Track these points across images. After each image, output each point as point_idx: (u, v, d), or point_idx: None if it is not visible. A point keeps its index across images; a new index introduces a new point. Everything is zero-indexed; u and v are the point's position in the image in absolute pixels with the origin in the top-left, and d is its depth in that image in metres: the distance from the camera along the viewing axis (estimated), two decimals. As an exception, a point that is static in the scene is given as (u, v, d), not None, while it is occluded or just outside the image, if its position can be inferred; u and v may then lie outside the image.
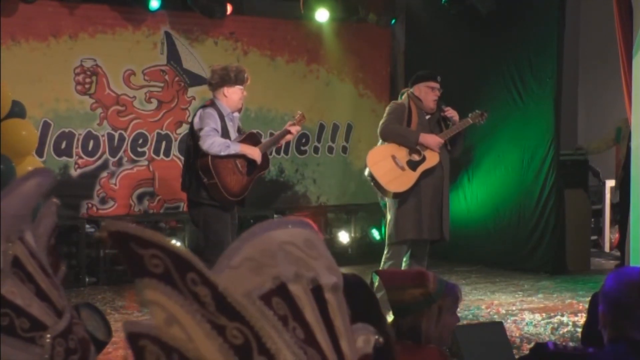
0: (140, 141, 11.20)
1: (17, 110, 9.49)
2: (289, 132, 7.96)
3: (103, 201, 10.98)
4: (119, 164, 11.06)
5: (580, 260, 11.11)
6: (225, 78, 7.62)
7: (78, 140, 10.83)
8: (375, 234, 11.82)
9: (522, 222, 11.09)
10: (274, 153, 12.08)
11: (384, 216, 8.68)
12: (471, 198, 11.68)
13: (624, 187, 9.81)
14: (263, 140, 8.42)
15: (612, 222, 12.06)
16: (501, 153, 11.31)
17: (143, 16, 11.13)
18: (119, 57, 11.01)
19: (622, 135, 10.33)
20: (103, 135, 10.98)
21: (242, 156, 7.61)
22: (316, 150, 12.44)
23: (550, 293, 9.63)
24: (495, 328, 5.95)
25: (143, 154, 11.19)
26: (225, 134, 7.59)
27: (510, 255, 11.07)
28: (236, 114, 7.84)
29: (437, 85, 8.01)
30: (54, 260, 1.44)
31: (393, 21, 12.43)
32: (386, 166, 7.78)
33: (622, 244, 10.27)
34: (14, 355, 1.32)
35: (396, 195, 7.76)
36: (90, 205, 10.91)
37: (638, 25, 9.00)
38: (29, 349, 1.34)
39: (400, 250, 7.84)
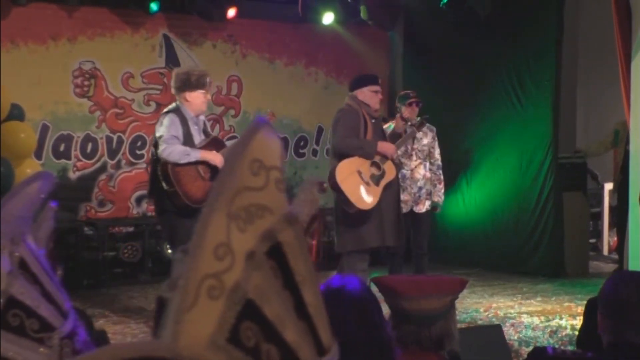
0: (139, 144, 11.20)
1: (16, 113, 9.49)
2: None
3: (101, 204, 10.99)
4: (118, 166, 11.07)
5: (578, 263, 11.11)
6: (186, 82, 7.56)
7: (77, 142, 10.84)
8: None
9: (521, 225, 11.10)
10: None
11: None
12: (470, 201, 11.68)
13: (622, 190, 9.81)
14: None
15: (611, 225, 12.06)
16: (500, 156, 11.32)
17: (142, 19, 11.13)
18: (118, 59, 11.01)
19: (620, 138, 10.32)
20: (101, 138, 10.98)
21: (205, 162, 7.52)
22: (314, 153, 12.45)
23: (548, 296, 9.62)
24: (494, 331, 5.93)
25: (142, 156, 11.19)
26: (188, 138, 7.53)
27: (509, 258, 11.07)
28: (202, 117, 7.80)
29: (379, 89, 8.07)
30: (52, 263, 1.45)
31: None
32: (354, 182, 7.80)
33: (620, 247, 10.27)
34: (24, 355, 1.33)
35: (358, 212, 7.82)
36: (88, 207, 10.91)
37: (636, 28, 9.01)
38: (38, 350, 1.35)
39: (364, 257, 7.90)
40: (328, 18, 11.92)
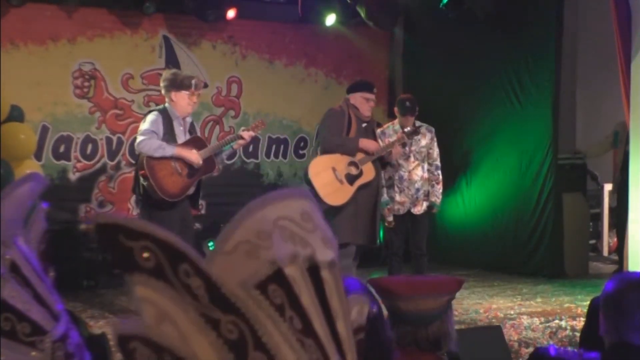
0: (139, 145, 11.18)
1: (16, 114, 9.48)
2: (241, 137, 8.02)
3: (101, 205, 10.97)
4: (117, 167, 11.05)
5: (578, 264, 11.09)
6: (172, 83, 7.72)
7: (76, 144, 10.82)
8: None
9: (521, 226, 11.07)
10: (272, 157, 12.08)
11: (383, 219, 8.78)
12: (469, 202, 11.66)
13: (621, 190, 9.79)
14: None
15: (611, 226, 12.04)
16: (499, 157, 11.30)
17: (141, 20, 11.11)
18: (117, 60, 10.99)
19: (620, 139, 10.31)
20: (101, 139, 10.97)
21: (181, 159, 7.65)
22: (315, 153, 12.41)
23: (548, 297, 9.60)
24: (494, 332, 5.92)
25: (141, 157, 11.17)
26: (172, 137, 7.68)
27: (509, 259, 11.05)
28: (188, 119, 7.92)
29: (372, 97, 8.30)
30: (44, 265, 1.43)
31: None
32: (326, 178, 8.05)
33: (620, 247, 10.25)
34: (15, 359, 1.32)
35: (332, 207, 8.00)
36: (88, 208, 10.89)
37: (636, 28, 8.98)
38: (30, 354, 1.34)
39: (345, 253, 8.01)
40: (330, 19, 11.90)
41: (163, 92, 7.86)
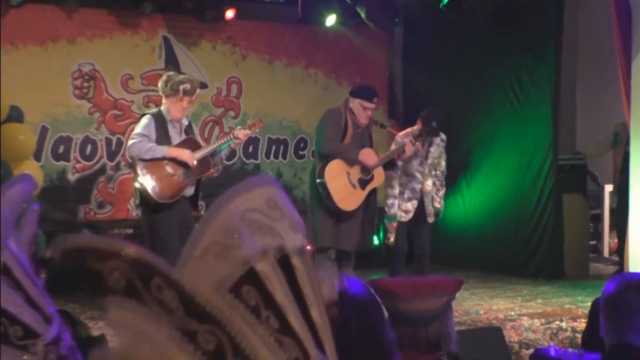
0: (138, 145, 11.17)
1: (15, 115, 9.48)
2: (237, 137, 8.01)
3: (101, 206, 10.95)
4: (117, 168, 11.03)
5: (578, 265, 11.08)
6: (164, 87, 7.76)
7: (76, 144, 10.80)
8: (374, 238, 11.77)
9: (521, 227, 11.05)
10: (272, 157, 12.07)
11: (386, 219, 8.81)
12: (469, 203, 11.65)
13: (622, 191, 9.77)
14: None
15: (612, 227, 12.02)
16: (499, 158, 11.28)
17: (141, 20, 11.10)
18: (117, 61, 10.97)
19: (620, 139, 10.30)
20: (101, 140, 10.95)
21: (174, 159, 7.65)
22: (313, 154, 12.42)
23: (549, 298, 9.59)
24: (494, 333, 5.92)
25: (141, 158, 11.16)
26: (166, 139, 7.71)
27: (509, 260, 11.03)
28: (184, 121, 7.93)
29: (370, 106, 8.29)
30: (35, 267, 1.42)
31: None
32: (341, 182, 8.09)
33: (621, 249, 10.23)
34: None
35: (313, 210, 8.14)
36: (87, 209, 10.87)
37: (636, 29, 8.96)
38: (22, 358, 1.33)
39: (327, 256, 8.12)
40: (330, 20, 11.89)
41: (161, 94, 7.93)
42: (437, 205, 9.06)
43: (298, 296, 1.04)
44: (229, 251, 1.00)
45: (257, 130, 8.45)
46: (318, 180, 8.11)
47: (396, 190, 8.83)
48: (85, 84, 10.84)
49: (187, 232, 7.54)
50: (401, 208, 8.80)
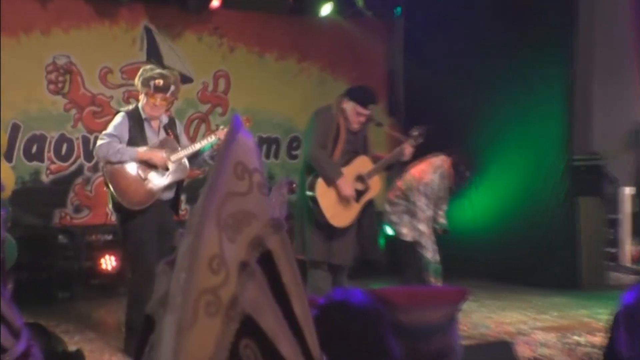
0: (118, 145, 11.12)
1: (-16, 111, 9.42)
2: (220, 138, 7.95)
3: (77, 209, 10.92)
4: (95, 169, 10.97)
5: (595, 274, 11.05)
6: (136, 82, 7.61)
7: (50, 143, 10.79)
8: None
9: (532, 233, 11.05)
10: (262, 157, 11.99)
11: (390, 222, 8.74)
12: (477, 207, 11.64)
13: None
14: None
15: (633, 233, 11.97)
16: (509, 159, 11.28)
17: (120, 10, 11.06)
18: (95, 53, 10.97)
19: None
20: (77, 138, 10.93)
21: (146, 162, 7.50)
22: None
23: (564, 310, 9.56)
24: (505, 349, 5.90)
25: (121, 158, 11.12)
26: (142, 139, 7.53)
27: (520, 269, 11.04)
28: (164, 118, 7.73)
29: (365, 112, 7.95)
30: (2, 277, 1.36)
31: (399, 10, 12.33)
32: (333, 197, 7.89)
33: (643, 257, 10.22)
34: None
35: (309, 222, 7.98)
36: (63, 214, 10.84)
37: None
38: None
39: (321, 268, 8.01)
40: (325, 9, 11.88)
41: None
42: (441, 220, 9.02)
43: (279, 290, 1.08)
44: (218, 298, 1.03)
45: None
46: (309, 194, 7.95)
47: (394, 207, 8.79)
48: (61, 78, 10.81)
49: (168, 238, 7.48)
50: (407, 226, 8.72)
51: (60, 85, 10.81)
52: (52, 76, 10.78)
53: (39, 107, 10.71)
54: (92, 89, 11.00)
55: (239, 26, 11.94)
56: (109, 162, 7.41)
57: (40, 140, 10.72)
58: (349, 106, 7.92)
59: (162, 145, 7.63)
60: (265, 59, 12.13)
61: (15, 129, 10.53)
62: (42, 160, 10.76)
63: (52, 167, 10.82)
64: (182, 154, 7.64)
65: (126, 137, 7.47)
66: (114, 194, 7.39)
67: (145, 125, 7.58)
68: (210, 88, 11.81)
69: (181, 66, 11.40)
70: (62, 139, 10.86)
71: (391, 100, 12.86)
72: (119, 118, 7.54)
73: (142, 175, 7.48)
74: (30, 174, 10.66)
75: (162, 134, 7.68)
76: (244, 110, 11.69)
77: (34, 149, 10.70)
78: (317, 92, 12.17)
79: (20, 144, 10.60)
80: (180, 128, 7.95)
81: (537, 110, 11.02)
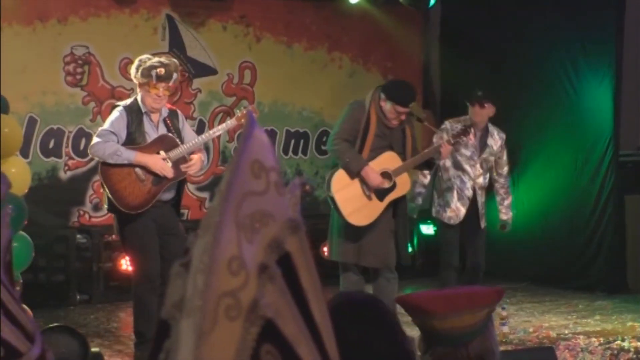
0: (139, 140, 11.17)
1: (-1, 105, 9.47)
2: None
3: (96, 208, 10.94)
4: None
5: (641, 276, 11.03)
6: (133, 74, 7.53)
7: (68, 138, 10.82)
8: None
9: (576, 233, 11.01)
10: (290, 153, 12.03)
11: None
12: (517, 205, 11.57)
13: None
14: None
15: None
16: (551, 153, 11.25)
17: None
18: (115, 43, 10.98)
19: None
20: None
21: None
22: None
23: (608, 314, 9.56)
24: (545, 354, 5.89)
25: (142, 154, 11.16)
26: (140, 136, 7.44)
27: (562, 271, 11.01)
28: (164, 111, 7.62)
29: (404, 111, 7.90)
30: (10, 278, 1.39)
31: (432, 2, 12.31)
32: (351, 192, 7.81)
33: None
34: None
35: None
36: (81, 212, 10.88)
37: None
38: None
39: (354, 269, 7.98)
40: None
41: None
42: (503, 217, 9.01)
43: (297, 290, 1.09)
44: (239, 302, 1.04)
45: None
46: (327, 193, 7.97)
47: (426, 180, 8.75)
48: (79, 70, 10.85)
49: (172, 240, 7.35)
50: (451, 207, 8.71)
51: (78, 77, 10.87)
52: (70, 67, 10.83)
53: (56, 100, 10.76)
54: (112, 80, 11.04)
55: (265, 14, 11.95)
56: (104, 163, 7.38)
57: (57, 135, 10.77)
58: (387, 104, 7.86)
59: (160, 143, 7.49)
60: (293, 48, 12.14)
61: (31, 123, 10.57)
62: (59, 156, 10.80)
63: (70, 163, 10.87)
64: (181, 151, 7.50)
65: (124, 133, 7.38)
66: (110, 196, 7.35)
67: (145, 119, 7.48)
68: (236, 80, 11.83)
69: (205, 57, 11.44)
70: (80, 133, 10.89)
71: (426, 92, 12.84)
72: (116, 113, 7.44)
73: (142, 176, 7.39)
74: (47, 171, 10.70)
75: (162, 128, 7.56)
76: (271, 103, 11.74)
77: (51, 144, 10.74)
78: (348, 84, 12.18)
79: (36, 139, 10.64)
80: (181, 120, 7.83)
81: (581, 103, 10.99)
